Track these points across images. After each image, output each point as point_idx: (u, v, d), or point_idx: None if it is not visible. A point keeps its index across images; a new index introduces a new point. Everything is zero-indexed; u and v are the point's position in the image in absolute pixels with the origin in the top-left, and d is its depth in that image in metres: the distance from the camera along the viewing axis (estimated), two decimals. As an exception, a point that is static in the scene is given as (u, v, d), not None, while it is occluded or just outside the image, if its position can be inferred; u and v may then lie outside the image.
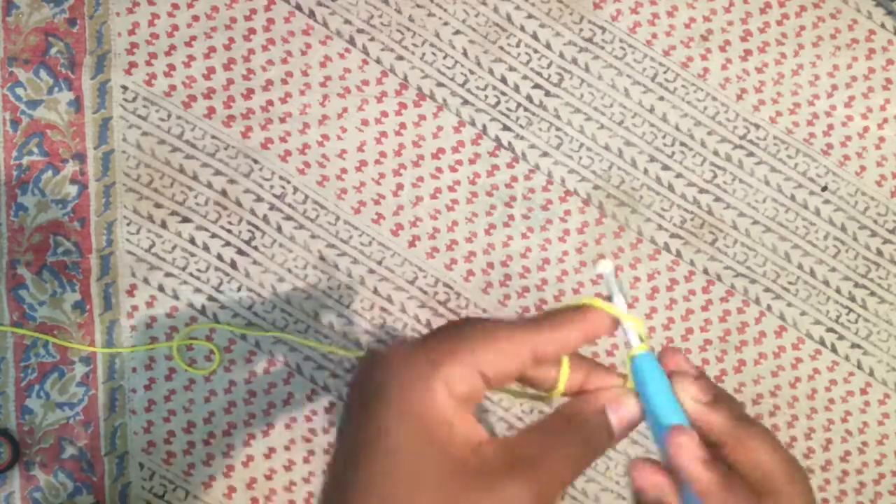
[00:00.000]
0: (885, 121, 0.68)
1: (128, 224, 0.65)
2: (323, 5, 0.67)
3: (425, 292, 0.66)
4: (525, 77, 0.67)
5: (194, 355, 0.65)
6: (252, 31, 0.67)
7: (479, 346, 0.27)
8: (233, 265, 0.66)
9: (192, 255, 0.65)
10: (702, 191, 0.68)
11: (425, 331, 0.66)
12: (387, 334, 0.66)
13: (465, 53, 0.67)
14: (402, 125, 0.67)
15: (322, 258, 0.66)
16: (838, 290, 0.68)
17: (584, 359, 0.31)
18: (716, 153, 0.68)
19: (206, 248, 0.66)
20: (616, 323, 0.30)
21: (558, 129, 0.67)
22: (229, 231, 0.66)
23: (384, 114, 0.67)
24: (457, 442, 0.25)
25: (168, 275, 0.65)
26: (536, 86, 0.67)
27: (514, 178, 0.67)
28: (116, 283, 0.65)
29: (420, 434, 0.25)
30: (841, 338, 0.68)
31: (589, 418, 0.28)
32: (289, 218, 0.66)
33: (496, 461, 0.25)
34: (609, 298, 0.31)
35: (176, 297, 0.65)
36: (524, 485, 0.25)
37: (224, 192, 0.66)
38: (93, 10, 0.66)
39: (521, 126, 0.67)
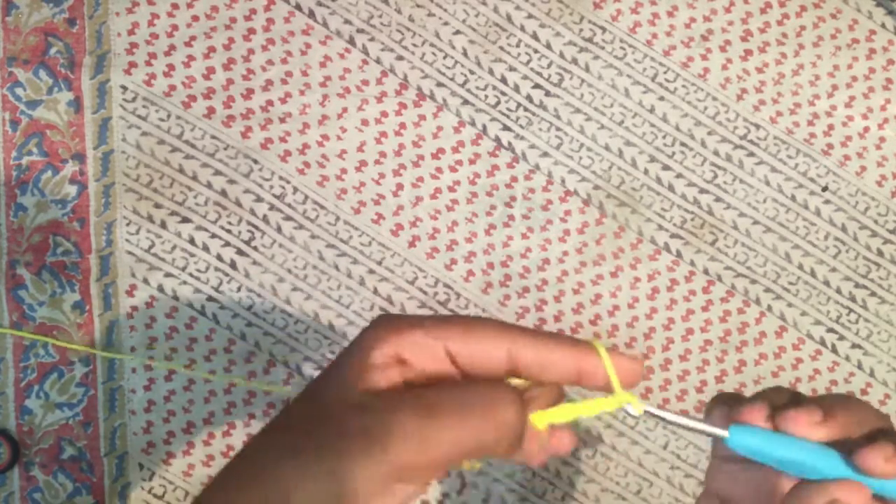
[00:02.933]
0: (886, 121, 0.68)
1: (127, 224, 0.65)
2: (323, 5, 0.67)
3: (425, 292, 0.66)
4: (525, 77, 0.67)
5: (194, 356, 0.65)
6: (252, 31, 0.67)
7: (454, 325, 0.26)
8: (232, 265, 0.66)
9: (192, 255, 0.65)
10: (702, 191, 0.68)
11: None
12: (387, 335, 0.66)
13: (465, 53, 0.67)
14: (402, 125, 0.67)
15: (322, 258, 0.66)
16: (839, 291, 0.68)
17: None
18: (716, 153, 0.68)
19: (205, 248, 0.65)
20: (607, 382, 0.27)
21: (558, 129, 0.67)
22: (229, 231, 0.66)
23: (384, 114, 0.67)
24: (361, 383, 0.25)
25: (168, 275, 0.65)
26: (536, 86, 0.67)
27: (514, 179, 0.67)
28: (116, 284, 0.65)
29: (341, 371, 0.26)
30: (841, 338, 0.68)
31: (506, 402, 0.26)
32: (289, 218, 0.66)
33: (385, 402, 0.24)
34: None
35: (176, 297, 0.65)
36: (394, 438, 0.23)
37: (224, 193, 0.66)
38: (92, 10, 0.66)
39: (521, 126, 0.67)
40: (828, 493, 0.27)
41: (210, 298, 0.65)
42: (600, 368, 0.27)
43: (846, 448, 0.27)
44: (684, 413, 0.28)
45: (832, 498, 0.26)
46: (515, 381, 0.27)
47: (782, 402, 0.28)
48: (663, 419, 0.28)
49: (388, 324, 0.26)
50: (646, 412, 0.28)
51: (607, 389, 0.27)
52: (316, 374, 0.65)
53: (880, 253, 0.68)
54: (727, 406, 0.29)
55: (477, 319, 0.27)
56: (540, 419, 0.27)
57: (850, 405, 0.28)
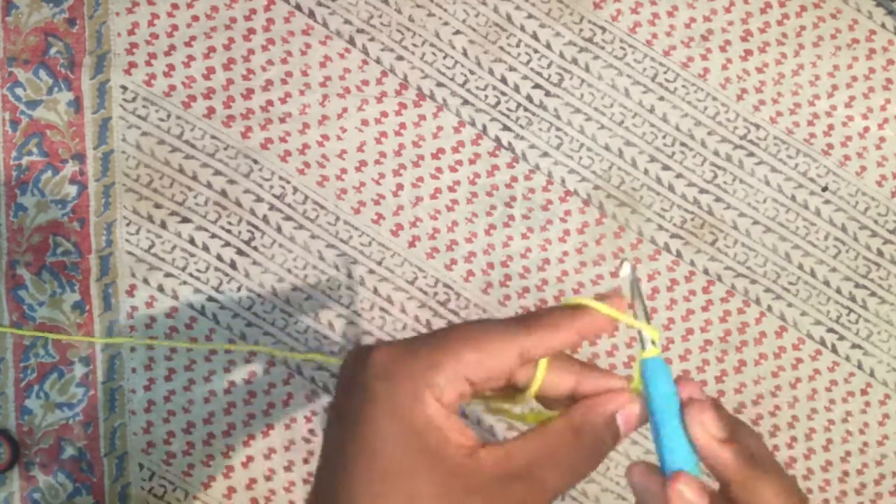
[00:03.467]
0: (886, 121, 0.68)
1: (127, 224, 0.65)
2: (323, 5, 0.67)
3: (425, 293, 0.66)
4: (525, 77, 0.67)
5: (194, 356, 0.65)
6: (252, 31, 0.67)
7: (464, 351, 0.26)
8: (232, 265, 0.66)
9: (192, 255, 0.65)
10: (702, 191, 0.68)
11: (425, 331, 0.66)
12: (387, 335, 0.66)
13: (465, 53, 0.67)
14: (402, 125, 0.67)
15: (321, 258, 0.66)
16: (839, 291, 0.68)
17: (575, 360, 0.30)
18: (716, 153, 0.68)
19: (205, 248, 0.65)
20: (615, 323, 0.29)
21: (558, 129, 0.67)
22: (229, 231, 0.66)
23: (384, 114, 0.67)
24: (450, 448, 0.25)
25: (168, 275, 0.65)
26: (536, 86, 0.67)
27: (514, 179, 0.67)
28: (116, 284, 0.65)
29: (411, 437, 0.24)
30: (841, 338, 0.68)
31: (599, 429, 0.27)
32: (288, 218, 0.66)
33: (493, 468, 0.25)
34: (631, 304, 0.30)
35: (176, 297, 0.65)
36: (522, 493, 0.24)
37: (224, 193, 0.66)
38: (92, 10, 0.66)
39: (521, 126, 0.67)
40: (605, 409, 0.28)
41: (210, 298, 0.65)
42: (600, 320, 0.29)
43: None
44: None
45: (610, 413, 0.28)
46: (545, 364, 0.29)
47: (730, 423, 0.29)
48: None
49: (408, 374, 0.25)
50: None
51: (612, 331, 0.30)
52: (316, 374, 0.65)
53: (880, 253, 0.68)
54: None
55: (482, 332, 0.27)
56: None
57: (752, 439, 0.29)
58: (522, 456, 0.26)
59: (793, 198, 0.68)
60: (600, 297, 0.30)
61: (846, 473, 0.68)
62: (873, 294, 0.68)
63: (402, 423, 0.25)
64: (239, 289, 0.65)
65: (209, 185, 0.66)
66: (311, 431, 0.65)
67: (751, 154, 0.68)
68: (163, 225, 0.65)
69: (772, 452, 0.31)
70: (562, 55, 0.67)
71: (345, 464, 0.25)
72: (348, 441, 0.25)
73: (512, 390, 0.29)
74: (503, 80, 0.67)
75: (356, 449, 0.25)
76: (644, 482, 0.27)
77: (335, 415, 0.27)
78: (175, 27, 0.66)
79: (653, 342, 0.30)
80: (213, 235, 0.66)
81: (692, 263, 0.67)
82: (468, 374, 0.26)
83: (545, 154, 0.67)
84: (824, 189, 0.68)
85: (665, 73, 0.68)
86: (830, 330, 0.68)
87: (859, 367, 0.68)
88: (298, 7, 0.67)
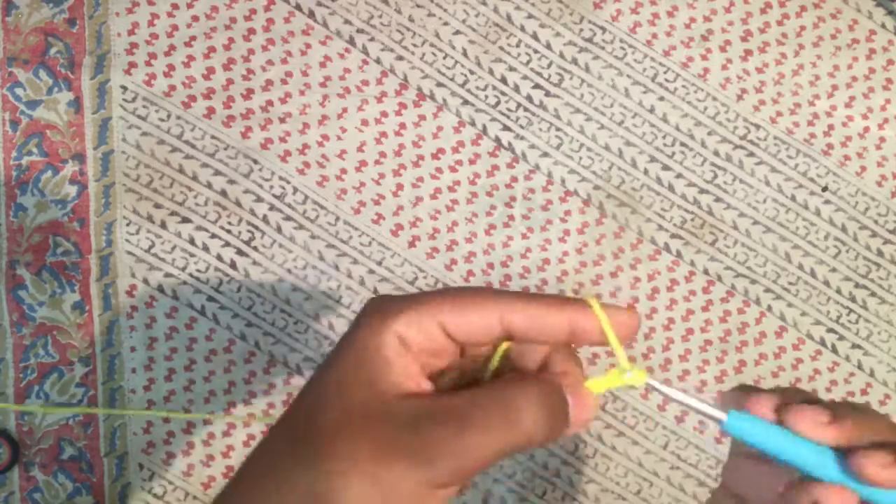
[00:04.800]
0: (886, 121, 0.68)
1: (127, 224, 0.65)
2: (323, 5, 0.67)
3: (425, 293, 0.66)
4: (525, 77, 0.67)
5: (194, 355, 0.65)
6: (252, 31, 0.67)
7: (444, 299, 0.26)
8: (232, 265, 0.66)
9: (192, 255, 0.65)
10: (702, 191, 0.68)
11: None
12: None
13: (465, 53, 0.67)
14: (402, 125, 0.67)
15: (322, 258, 0.66)
16: (839, 291, 0.68)
17: (574, 355, 0.28)
18: (716, 153, 0.68)
19: (205, 248, 0.65)
20: (603, 336, 0.27)
21: (558, 129, 0.67)
22: (229, 231, 0.66)
23: (384, 114, 0.67)
24: (386, 382, 0.25)
25: (168, 275, 0.65)
26: (536, 86, 0.67)
27: (514, 179, 0.67)
28: (116, 284, 0.65)
29: (360, 364, 0.26)
30: (841, 338, 0.68)
31: (549, 392, 0.26)
32: (288, 218, 0.66)
33: (419, 413, 0.24)
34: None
35: (176, 297, 0.65)
36: (435, 451, 0.24)
37: (224, 193, 0.66)
38: (92, 10, 0.66)
39: (521, 126, 0.67)
40: (811, 494, 0.27)
41: (210, 298, 0.65)
42: (595, 324, 0.27)
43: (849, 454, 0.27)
44: (687, 391, 0.28)
45: (814, 499, 0.26)
46: (507, 345, 0.28)
47: (796, 399, 0.28)
48: (665, 395, 0.27)
49: (382, 308, 0.26)
50: (648, 384, 0.27)
51: (603, 344, 0.27)
52: (316, 374, 0.65)
53: (880, 253, 0.68)
54: (742, 391, 0.29)
55: (467, 290, 0.27)
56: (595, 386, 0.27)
57: (864, 414, 0.28)
58: (457, 406, 0.25)
59: (793, 198, 0.68)
60: (611, 308, 0.28)
61: (846, 473, 0.68)
62: (873, 294, 0.68)
63: (354, 352, 0.26)
64: (239, 289, 0.65)
65: (209, 185, 0.66)
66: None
67: (751, 154, 0.68)
68: (163, 225, 0.65)
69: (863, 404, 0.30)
70: (562, 55, 0.67)
71: (306, 388, 0.26)
72: (317, 369, 0.27)
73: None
74: (503, 80, 0.67)
75: (312, 380, 0.26)
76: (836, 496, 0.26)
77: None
78: (175, 27, 0.66)
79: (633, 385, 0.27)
80: (213, 235, 0.66)
81: (692, 263, 0.67)
82: (443, 321, 0.26)
83: (545, 154, 0.67)
84: (824, 189, 0.68)
85: (665, 73, 0.68)
86: (830, 330, 0.68)
87: (859, 367, 0.68)
88: (298, 7, 0.67)
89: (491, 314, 0.26)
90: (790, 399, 0.28)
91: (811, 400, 0.28)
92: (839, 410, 0.28)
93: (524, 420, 0.25)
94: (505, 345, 0.28)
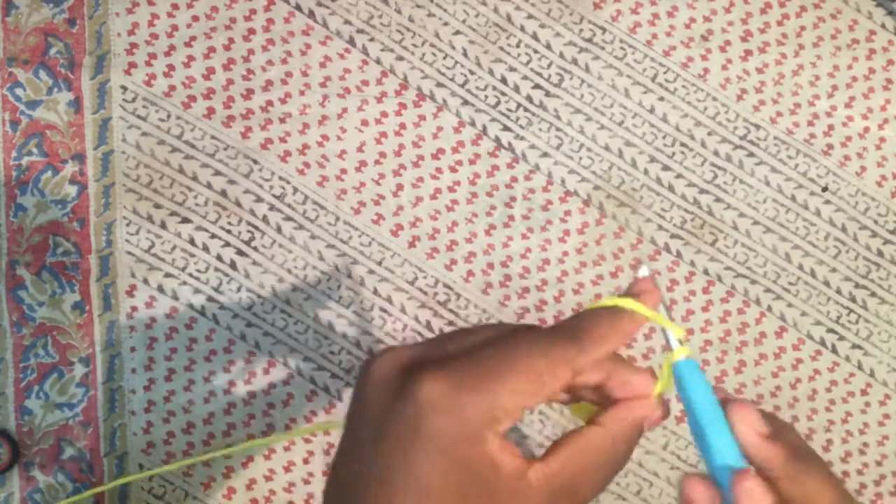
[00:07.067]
0: (886, 121, 0.68)
1: (127, 224, 0.65)
2: (323, 5, 0.67)
3: (425, 293, 0.66)
4: (525, 77, 0.67)
5: (194, 356, 0.65)
6: (252, 31, 0.66)
7: (520, 382, 0.26)
8: (232, 266, 0.66)
9: (192, 255, 0.65)
10: (702, 191, 0.68)
11: (425, 331, 0.66)
12: (386, 335, 0.66)
13: (465, 54, 0.67)
14: (402, 125, 0.67)
15: (322, 258, 0.66)
16: (839, 291, 0.68)
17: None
18: (716, 153, 0.68)
19: (205, 248, 0.65)
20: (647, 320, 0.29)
21: (558, 129, 0.67)
22: (229, 231, 0.66)
23: (384, 114, 0.67)
24: (502, 476, 0.25)
25: (168, 275, 0.65)
26: (536, 86, 0.67)
27: (514, 179, 0.67)
28: (116, 284, 0.65)
29: (466, 473, 0.24)
30: (841, 338, 0.68)
31: (632, 437, 0.28)
32: (288, 218, 0.66)
33: (541, 488, 0.25)
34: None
35: (175, 297, 0.65)
36: None
37: (224, 193, 0.66)
38: (92, 10, 0.66)
39: (521, 126, 0.67)
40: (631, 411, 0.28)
41: (210, 299, 0.65)
42: (641, 321, 0.29)
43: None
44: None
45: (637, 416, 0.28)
46: (592, 408, 0.30)
47: (773, 420, 0.29)
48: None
49: (470, 407, 0.25)
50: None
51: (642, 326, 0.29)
52: (316, 374, 0.65)
53: (880, 253, 0.68)
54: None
55: (539, 354, 0.27)
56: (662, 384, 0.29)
57: (793, 435, 0.29)
58: (567, 472, 0.26)
59: (793, 198, 0.68)
60: (633, 295, 0.30)
61: (846, 474, 0.68)
62: (873, 294, 0.68)
63: (456, 460, 0.24)
64: (239, 289, 0.65)
65: (209, 186, 0.66)
66: (311, 432, 0.65)
67: (751, 154, 0.68)
68: (163, 225, 0.65)
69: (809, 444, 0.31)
70: (562, 55, 0.67)
71: (388, 494, 0.24)
72: (391, 468, 0.25)
73: None
74: (503, 81, 0.67)
75: (402, 479, 0.24)
76: (703, 494, 0.27)
77: (371, 434, 0.26)
78: (175, 27, 0.66)
79: (680, 342, 0.30)
80: (213, 236, 0.66)
81: (692, 264, 0.67)
82: (526, 403, 0.26)
83: (545, 154, 0.67)
84: (824, 189, 0.68)
85: (665, 73, 0.68)
86: (830, 330, 0.68)
87: (859, 367, 0.68)
88: (298, 7, 0.67)
89: (566, 376, 0.27)
90: (773, 421, 0.29)
91: (775, 419, 0.30)
92: (785, 435, 0.29)
93: (625, 455, 0.28)
94: (590, 407, 0.30)
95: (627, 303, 0.29)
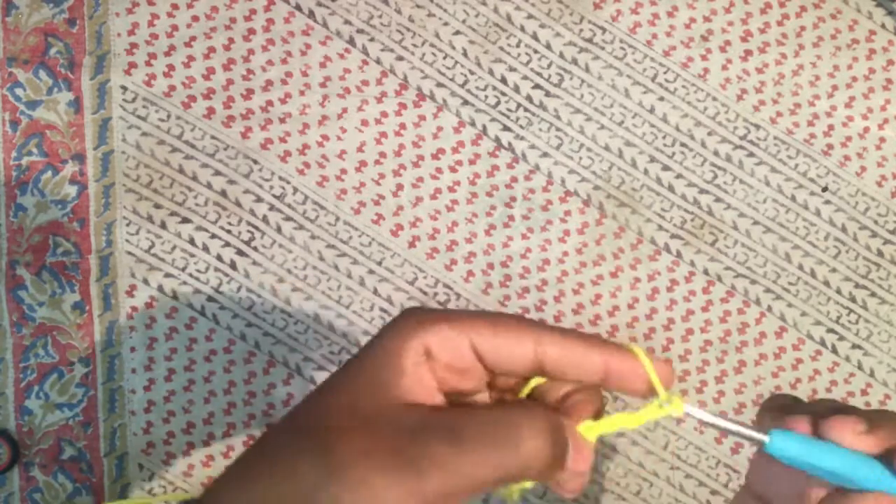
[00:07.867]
0: (886, 121, 0.68)
1: (127, 225, 0.65)
2: (323, 6, 0.67)
3: (425, 293, 0.66)
4: (525, 77, 0.67)
5: (194, 356, 0.65)
6: (252, 31, 0.67)
7: (480, 320, 0.26)
8: (232, 266, 0.66)
9: (192, 255, 0.65)
10: (702, 191, 0.68)
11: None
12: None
13: (465, 54, 0.67)
14: (402, 126, 0.67)
15: (322, 258, 0.66)
16: (839, 291, 0.68)
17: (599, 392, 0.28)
18: (716, 154, 0.68)
19: (205, 248, 0.65)
20: (650, 389, 0.27)
21: (558, 129, 0.67)
22: (229, 232, 0.66)
23: (384, 114, 0.67)
24: (398, 388, 0.25)
25: (168, 275, 0.65)
26: (536, 86, 0.67)
27: (514, 179, 0.67)
28: (116, 284, 0.65)
29: (374, 368, 0.26)
30: (841, 339, 0.68)
31: (555, 424, 0.26)
32: (288, 218, 0.66)
33: (419, 423, 0.24)
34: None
35: (176, 297, 0.65)
36: (427, 462, 0.23)
37: (224, 193, 0.66)
38: (92, 10, 0.66)
39: (521, 126, 0.67)
40: (861, 503, 0.27)
41: (210, 299, 0.65)
42: (637, 371, 0.27)
43: (890, 460, 0.27)
44: (723, 414, 0.28)
45: None
46: (538, 381, 0.27)
47: (828, 411, 0.28)
48: (704, 421, 0.27)
49: (414, 318, 0.26)
50: (686, 414, 0.27)
51: (640, 393, 0.27)
52: (316, 374, 0.65)
53: (880, 253, 0.68)
54: (777, 411, 0.29)
55: (503, 315, 0.27)
56: (589, 431, 0.27)
57: (862, 413, 0.28)
58: (451, 415, 0.25)
59: (793, 198, 0.68)
60: (652, 357, 0.28)
61: (846, 474, 0.68)
62: (873, 294, 0.68)
63: (378, 355, 0.26)
64: (239, 289, 0.65)
65: (209, 186, 0.66)
66: (311, 432, 0.65)
67: (751, 154, 0.68)
68: (163, 225, 0.65)
69: None
70: (562, 55, 0.67)
71: (323, 383, 0.27)
72: (340, 365, 0.28)
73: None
74: (503, 81, 0.67)
75: (339, 370, 0.27)
76: None
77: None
78: (175, 27, 0.66)
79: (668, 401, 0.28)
80: (213, 236, 0.66)
81: (692, 264, 0.67)
82: (476, 341, 0.26)
83: (545, 154, 0.67)
84: (824, 189, 0.68)
85: (665, 73, 0.68)
86: (830, 330, 0.68)
87: (859, 367, 0.68)
88: (298, 7, 0.67)
89: (526, 341, 0.26)
90: (823, 411, 0.28)
91: (843, 409, 0.28)
92: (873, 417, 0.28)
93: (523, 444, 0.25)
94: (538, 380, 0.27)
95: (634, 347, 0.27)
